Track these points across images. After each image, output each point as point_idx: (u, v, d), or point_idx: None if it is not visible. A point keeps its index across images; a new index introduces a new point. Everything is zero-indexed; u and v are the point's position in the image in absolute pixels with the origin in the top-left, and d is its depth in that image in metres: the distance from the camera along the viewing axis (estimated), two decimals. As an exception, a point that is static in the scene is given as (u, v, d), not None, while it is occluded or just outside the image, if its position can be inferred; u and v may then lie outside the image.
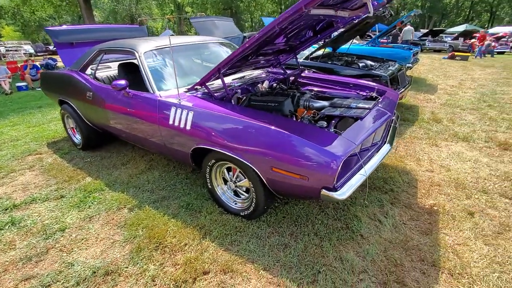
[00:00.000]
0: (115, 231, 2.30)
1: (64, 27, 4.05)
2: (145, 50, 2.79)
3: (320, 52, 5.17)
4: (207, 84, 2.44)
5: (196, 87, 2.47)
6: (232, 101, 2.61)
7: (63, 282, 1.85)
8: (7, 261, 2.03)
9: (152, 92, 2.56)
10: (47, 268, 1.96)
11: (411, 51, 6.82)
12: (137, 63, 2.73)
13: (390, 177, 2.92)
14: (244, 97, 2.70)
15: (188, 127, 2.24)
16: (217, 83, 2.75)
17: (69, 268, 1.95)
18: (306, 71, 3.60)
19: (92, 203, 2.70)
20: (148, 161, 3.47)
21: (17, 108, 6.26)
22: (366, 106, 2.30)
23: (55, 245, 2.18)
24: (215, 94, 2.46)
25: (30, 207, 2.68)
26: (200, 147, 2.24)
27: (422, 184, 2.83)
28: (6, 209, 2.63)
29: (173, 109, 2.35)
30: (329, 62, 4.94)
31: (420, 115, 4.94)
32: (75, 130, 3.89)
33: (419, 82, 7.57)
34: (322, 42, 5.03)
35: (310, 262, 1.91)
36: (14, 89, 8.41)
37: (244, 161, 1.98)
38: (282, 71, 3.42)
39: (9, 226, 2.39)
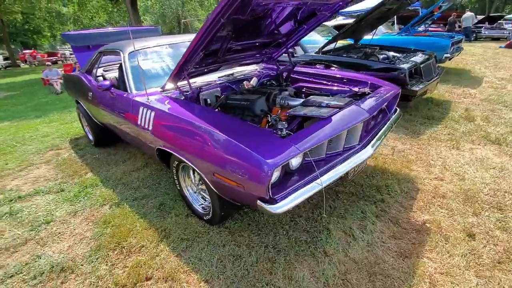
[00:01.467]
0: (89, 228, 2.36)
1: (79, 31, 4.31)
2: (130, 50, 2.80)
3: (334, 45, 4.73)
4: (178, 83, 2.36)
5: (166, 87, 2.40)
6: (202, 100, 2.49)
7: (24, 274, 1.93)
8: (-14, 250, 2.20)
9: (129, 91, 2.56)
10: (18, 259, 2.08)
11: (451, 39, 5.90)
12: (122, 63, 2.75)
13: (386, 185, 2.53)
14: (222, 96, 2.56)
15: (150, 127, 2.18)
16: (197, 81, 2.64)
17: (35, 261, 2.04)
18: (304, 66, 3.30)
19: (83, 198, 2.82)
20: (146, 159, 3.53)
21: (60, 107, 6.93)
22: (339, 103, 1.99)
23: (34, 237, 2.30)
24: (186, 93, 2.36)
25: (32, 199, 2.90)
26: (161, 148, 2.17)
27: (423, 194, 2.40)
28: (11, 200, 2.88)
29: (141, 109, 2.31)
30: (344, 55, 4.49)
31: (450, 112, 4.25)
32: (89, 128, 4.14)
33: (462, 74, 6.55)
34: (331, 34, 4.60)
35: (254, 278, 1.72)
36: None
37: (192, 165, 1.86)
38: (276, 67, 3.18)
39: (6, 217, 2.61)
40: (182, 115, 1.93)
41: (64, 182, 3.16)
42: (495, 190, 2.39)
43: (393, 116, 2.56)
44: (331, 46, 4.69)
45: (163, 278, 1.78)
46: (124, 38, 4.38)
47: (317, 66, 4.55)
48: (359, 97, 2.36)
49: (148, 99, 2.31)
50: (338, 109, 1.93)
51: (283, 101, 2.36)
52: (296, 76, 3.08)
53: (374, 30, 5.05)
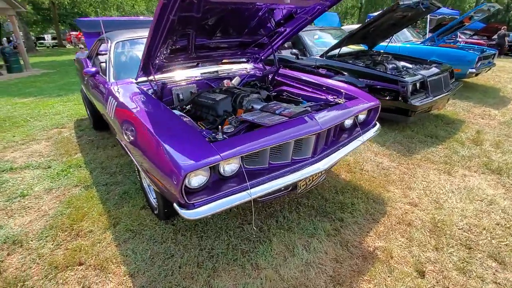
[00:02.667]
0: (54, 206, 2.46)
1: (91, 18, 4.49)
2: (117, 40, 2.86)
3: (339, 50, 4.49)
4: (149, 77, 2.36)
5: (138, 79, 2.41)
6: (174, 95, 2.47)
7: (-20, 242, 2.06)
8: (-40, 214, 2.37)
9: (107, 79, 2.61)
10: (-18, 227, 2.22)
11: (479, 53, 5.35)
12: (108, 51, 2.82)
13: (352, 203, 2.36)
14: (194, 93, 2.53)
15: (112, 116, 2.21)
16: (175, 76, 2.63)
17: (-5, 231, 2.17)
18: (288, 70, 3.16)
19: (63, 177, 2.95)
20: (133, 146, 3.60)
21: (83, 88, 7.34)
22: (291, 112, 1.87)
23: (6, 208, 2.45)
24: (155, 88, 2.36)
25: (21, 172, 3.09)
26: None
27: (388, 219, 2.20)
28: (3, 171, 3.09)
29: (109, 97, 2.35)
30: (350, 62, 4.25)
31: (459, 132, 3.87)
32: (89, 111, 4.32)
33: (488, 92, 5.94)
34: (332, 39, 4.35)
35: (175, 280, 1.68)
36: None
37: (133, 158, 1.85)
38: (262, 68, 3.09)
39: (-9, 185, 2.80)
40: (131, 108, 1.93)
41: (54, 160, 3.33)
42: (472, 225, 2.13)
43: (369, 131, 2.37)
44: (344, 50, 4.46)
45: (93, 266, 1.81)
46: (135, 27, 4.51)
47: (320, 70, 4.37)
48: (330, 107, 2.21)
49: (117, 89, 2.35)
50: (287, 118, 1.81)
51: (248, 104, 2.28)
52: (281, 79, 2.96)
53: (390, 37, 4.72)
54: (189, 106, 2.45)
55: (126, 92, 2.25)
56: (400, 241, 1.99)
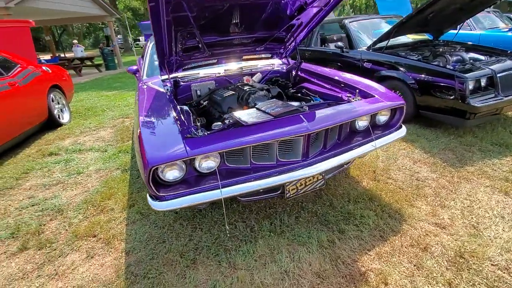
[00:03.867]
0: (95, 184, 2.89)
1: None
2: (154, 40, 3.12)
3: (387, 41, 3.91)
4: (165, 74, 2.51)
5: (161, 77, 2.59)
6: (193, 92, 2.57)
7: (38, 206, 2.56)
8: (32, 184, 2.98)
9: (141, 77, 2.89)
10: (44, 195, 2.75)
11: None
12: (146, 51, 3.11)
13: (361, 215, 2.09)
14: (210, 90, 2.60)
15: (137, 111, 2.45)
16: (200, 73, 2.74)
17: (51, 199, 2.66)
18: (312, 65, 2.93)
19: (113, 160, 3.42)
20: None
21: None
22: (276, 111, 1.75)
23: (64, 182, 2.98)
24: (169, 85, 2.50)
25: (86, 153, 3.70)
26: None
27: (399, 238, 1.88)
28: (73, 151, 3.75)
29: (138, 93, 2.60)
30: (400, 54, 3.68)
31: (544, 142, 2.99)
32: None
33: None
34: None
35: (156, 264, 1.78)
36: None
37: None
38: (287, 64, 2.96)
39: (62, 163, 3.44)
40: (139, 103, 2.09)
41: (111, 145, 3.88)
42: (513, 263, 1.65)
43: (388, 136, 2.04)
44: (401, 40, 3.91)
45: (102, 239, 2.06)
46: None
47: (365, 64, 3.93)
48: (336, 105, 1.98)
49: (144, 85, 2.57)
50: (272, 118, 1.70)
51: (253, 101, 2.22)
52: (304, 75, 2.79)
53: (460, 24, 3.91)
54: (206, 102, 2.53)
55: (147, 88, 2.45)
56: (404, 267, 1.67)
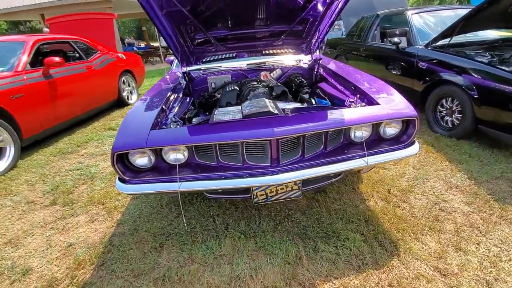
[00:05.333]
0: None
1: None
2: None
3: (450, 37, 3.14)
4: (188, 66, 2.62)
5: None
6: (209, 84, 2.63)
7: (80, 171, 3.06)
8: (86, 152, 3.55)
9: (172, 67, 3.10)
10: (89, 160, 3.27)
11: None
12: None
13: (346, 238, 1.83)
14: (223, 83, 2.62)
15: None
16: (222, 66, 2.77)
17: (89, 167, 3.15)
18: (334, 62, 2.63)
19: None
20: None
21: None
22: (247, 112, 1.64)
23: (107, 154, 3.47)
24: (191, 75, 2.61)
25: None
26: None
27: (379, 274, 1.58)
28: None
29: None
30: (467, 54, 2.95)
31: None
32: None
33: None
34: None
35: (131, 239, 1.94)
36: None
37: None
38: (310, 61, 2.73)
39: (113, 137, 3.99)
40: (150, 90, 2.28)
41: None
42: None
43: (390, 153, 1.71)
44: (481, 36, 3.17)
45: (107, 209, 2.34)
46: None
47: (420, 64, 3.32)
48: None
49: (167, 75, 2.76)
50: (240, 118, 1.60)
51: (251, 98, 2.15)
52: (324, 73, 2.54)
53: None
54: (218, 95, 2.57)
55: (165, 78, 2.62)
56: (367, 307, 1.41)
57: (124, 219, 2.19)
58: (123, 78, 5.57)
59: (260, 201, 1.72)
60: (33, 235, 2.10)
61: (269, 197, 1.72)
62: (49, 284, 1.65)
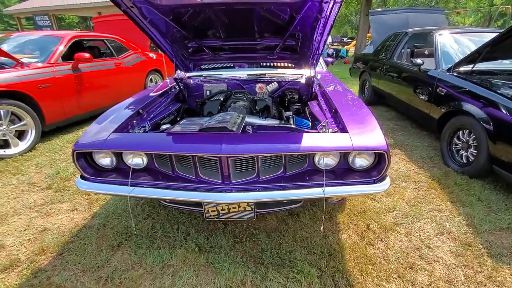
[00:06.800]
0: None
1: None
2: None
3: (473, 63, 2.76)
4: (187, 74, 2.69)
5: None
6: (204, 91, 2.66)
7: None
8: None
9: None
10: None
11: None
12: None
13: (301, 269, 1.69)
14: (217, 91, 2.62)
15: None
16: (223, 74, 2.79)
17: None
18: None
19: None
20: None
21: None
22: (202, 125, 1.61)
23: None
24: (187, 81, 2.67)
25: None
26: None
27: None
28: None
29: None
30: (488, 83, 2.59)
31: None
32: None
33: None
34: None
35: (106, 227, 2.00)
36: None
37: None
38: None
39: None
40: (142, 92, 2.37)
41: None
42: None
43: (355, 186, 1.54)
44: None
45: (90, 200, 2.46)
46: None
47: (439, 90, 3.00)
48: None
49: (167, 78, 2.84)
50: (195, 131, 1.57)
51: (230, 110, 2.11)
52: (318, 91, 2.42)
53: None
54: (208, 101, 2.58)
55: (163, 82, 2.70)
56: None
57: (99, 213, 2.27)
58: (150, 76, 5.88)
59: (212, 217, 1.67)
60: (20, 214, 2.27)
61: (221, 214, 1.66)
62: (10, 264, 1.76)
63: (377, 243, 1.92)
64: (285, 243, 1.92)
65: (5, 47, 3.98)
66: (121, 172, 1.74)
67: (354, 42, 19.06)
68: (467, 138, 2.68)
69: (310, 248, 1.87)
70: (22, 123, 3.39)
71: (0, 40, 4.57)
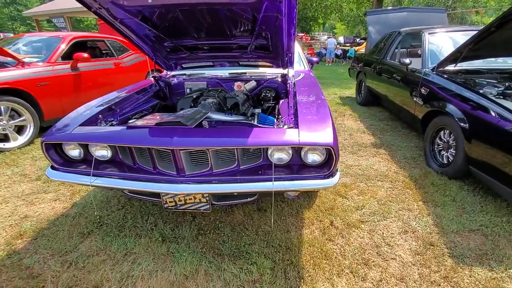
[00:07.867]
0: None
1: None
2: None
3: (455, 62, 2.69)
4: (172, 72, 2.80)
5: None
6: (185, 88, 2.75)
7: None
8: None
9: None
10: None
11: None
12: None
13: (255, 262, 1.74)
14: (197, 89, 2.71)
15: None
16: (206, 73, 2.89)
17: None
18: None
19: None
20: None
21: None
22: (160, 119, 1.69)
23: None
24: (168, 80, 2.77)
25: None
26: None
27: (266, 307, 1.48)
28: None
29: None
30: (472, 82, 2.54)
31: None
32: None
33: None
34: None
35: (85, 215, 2.12)
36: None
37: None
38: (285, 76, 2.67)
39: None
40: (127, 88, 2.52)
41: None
42: None
43: (300, 181, 1.58)
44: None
45: (73, 191, 2.60)
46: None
47: (422, 89, 2.96)
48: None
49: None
50: (152, 124, 1.65)
51: (200, 107, 2.19)
52: (290, 90, 2.45)
53: None
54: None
55: (147, 80, 2.81)
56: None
57: (78, 203, 2.40)
58: (150, 76, 6.05)
59: (170, 207, 1.74)
60: (8, 203, 2.43)
61: (178, 205, 1.73)
62: (-11, 246, 1.91)
63: (338, 239, 1.94)
64: (246, 236, 1.97)
65: (14, 48, 4.26)
66: (89, 163, 1.84)
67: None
68: (448, 138, 2.64)
69: (269, 241, 1.91)
70: (21, 118, 3.61)
71: (10, 41, 4.88)
